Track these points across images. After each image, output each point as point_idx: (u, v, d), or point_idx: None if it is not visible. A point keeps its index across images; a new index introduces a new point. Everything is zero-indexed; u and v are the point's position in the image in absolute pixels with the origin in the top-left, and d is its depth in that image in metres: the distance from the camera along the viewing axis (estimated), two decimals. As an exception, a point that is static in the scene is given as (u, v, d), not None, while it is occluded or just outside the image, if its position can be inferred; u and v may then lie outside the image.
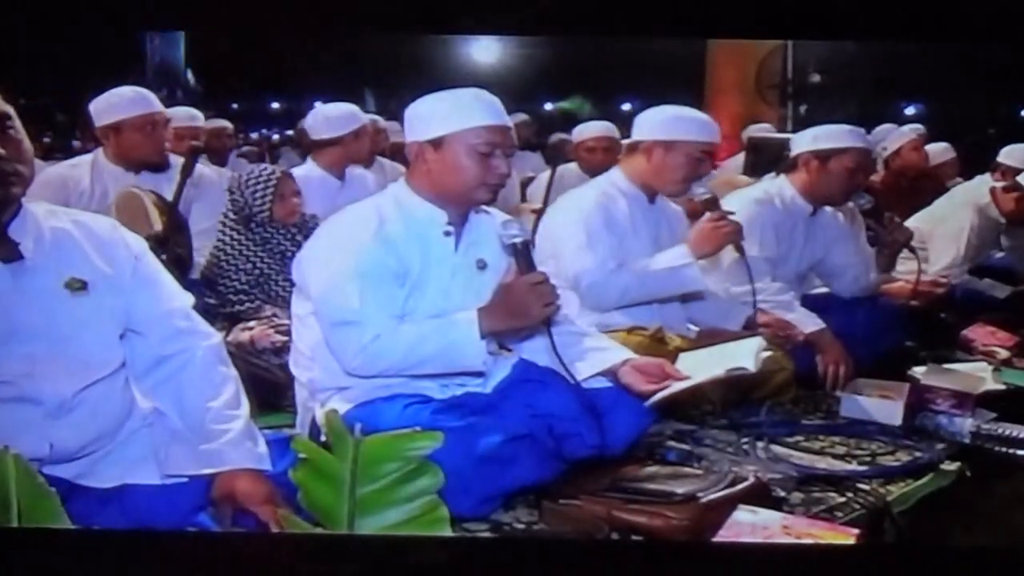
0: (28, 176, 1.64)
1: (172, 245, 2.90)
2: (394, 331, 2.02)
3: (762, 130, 5.81)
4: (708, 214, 2.73)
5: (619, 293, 2.66)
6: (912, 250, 3.28)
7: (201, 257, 3.08)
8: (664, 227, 2.85)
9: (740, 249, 2.76)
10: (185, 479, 1.70)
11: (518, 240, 2.07)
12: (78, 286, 1.66)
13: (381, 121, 5.14)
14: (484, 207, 2.21)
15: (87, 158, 3.34)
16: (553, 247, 2.71)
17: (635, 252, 2.73)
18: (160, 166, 3.30)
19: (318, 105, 3.91)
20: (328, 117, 3.65)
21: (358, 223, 2.10)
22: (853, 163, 3.06)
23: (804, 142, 3.12)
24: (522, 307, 2.03)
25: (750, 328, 2.75)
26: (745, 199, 3.08)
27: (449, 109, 2.07)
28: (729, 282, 2.93)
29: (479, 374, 2.13)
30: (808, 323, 2.90)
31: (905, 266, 3.43)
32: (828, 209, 3.20)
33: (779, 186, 3.14)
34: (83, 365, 1.67)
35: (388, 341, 2.01)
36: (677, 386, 2.13)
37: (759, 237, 2.97)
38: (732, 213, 2.73)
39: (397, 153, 4.79)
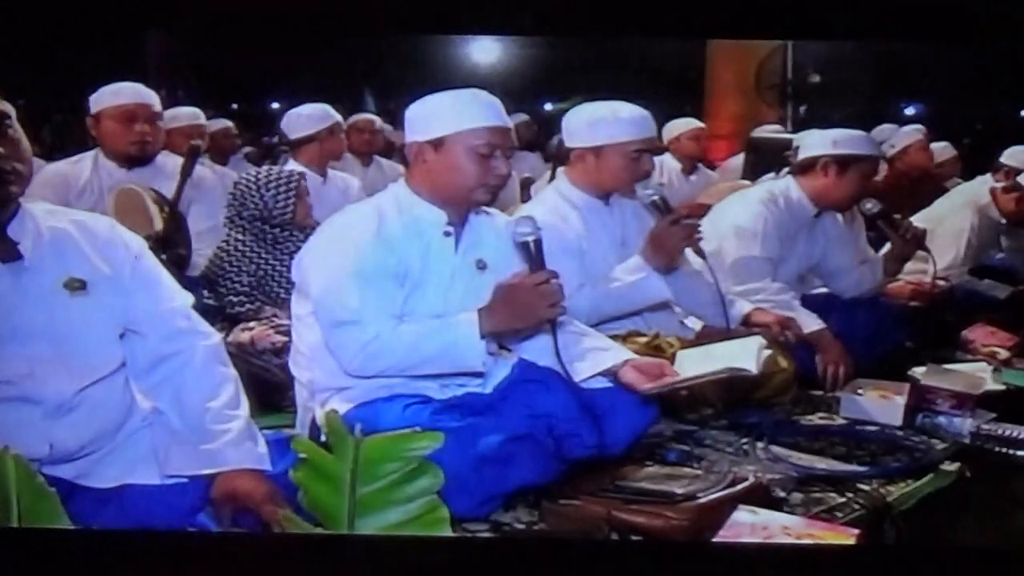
0: (27, 175, 1.64)
1: (172, 244, 2.89)
2: (393, 331, 2.02)
3: (770, 131, 5.78)
4: (657, 220, 2.59)
5: (587, 312, 2.52)
6: (927, 250, 3.25)
7: (200, 258, 3.07)
8: (631, 223, 2.74)
9: (700, 252, 2.63)
10: (185, 479, 1.70)
11: (530, 238, 2.06)
12: (77, 286, 1.66)
13: (378, 121, 5.15)
14: (484, 208, 2.21)
15: (88, 154, 3.33)
16: None
17: (600, 262, 2.63)
18: (139, 160, 3.25)
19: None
20: (302, 115, 3.81)
21: (358, 223, 2.10)
22: (871, 171, 3.04)
23: (823, 146, 3.02)
24: (528, 307, 2.03)
25: (747, 325, 2.74)
26: (748, 199, 3.07)
27: (449, 110, 2.07)
28: (728, 281, 2.90)
29: (479, 374, 2.12)
30: (808, 323, 2.89)
31: (909, 265, 3.43)
32: (830, 211, 3.19)
33: (783, 187, 3.10)
34: (83, 365, 1.67)
35: (387, 341, 2.01)
36: (679, 376, 2.13)
37: (761, 238, 2.95)
38: (686, 216, 2.63)
39: (396, 153, 4.80)
